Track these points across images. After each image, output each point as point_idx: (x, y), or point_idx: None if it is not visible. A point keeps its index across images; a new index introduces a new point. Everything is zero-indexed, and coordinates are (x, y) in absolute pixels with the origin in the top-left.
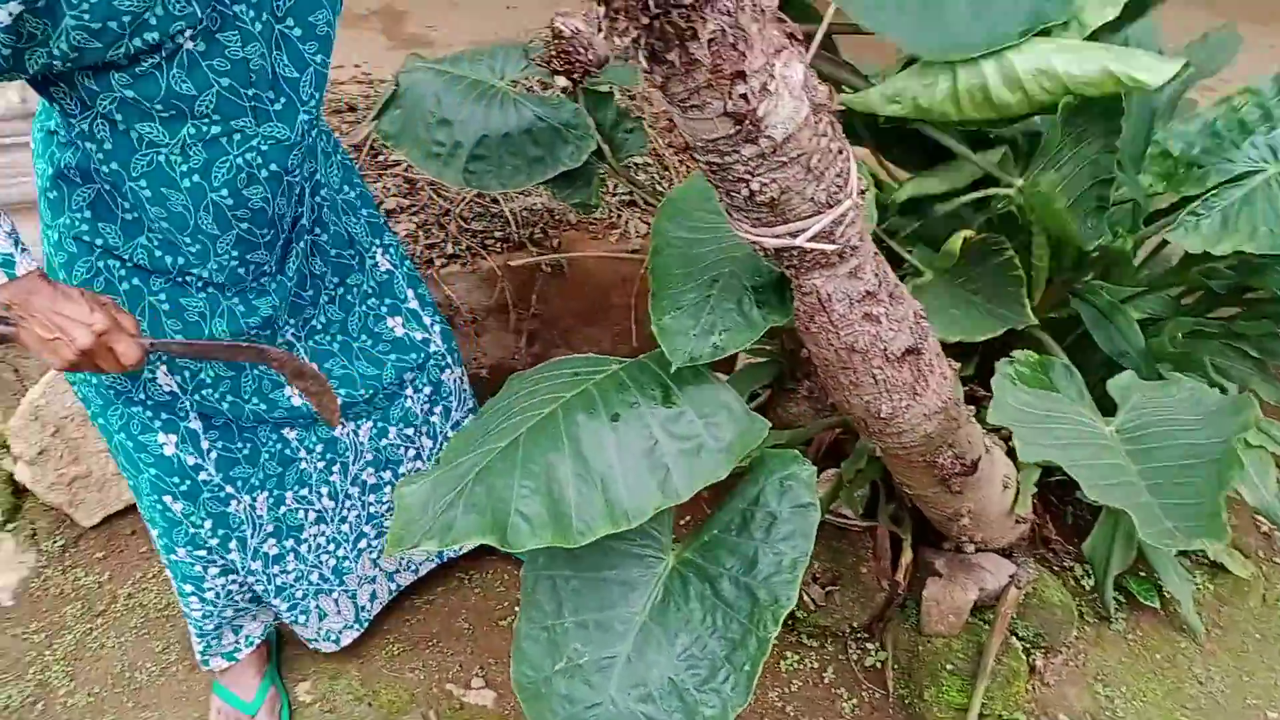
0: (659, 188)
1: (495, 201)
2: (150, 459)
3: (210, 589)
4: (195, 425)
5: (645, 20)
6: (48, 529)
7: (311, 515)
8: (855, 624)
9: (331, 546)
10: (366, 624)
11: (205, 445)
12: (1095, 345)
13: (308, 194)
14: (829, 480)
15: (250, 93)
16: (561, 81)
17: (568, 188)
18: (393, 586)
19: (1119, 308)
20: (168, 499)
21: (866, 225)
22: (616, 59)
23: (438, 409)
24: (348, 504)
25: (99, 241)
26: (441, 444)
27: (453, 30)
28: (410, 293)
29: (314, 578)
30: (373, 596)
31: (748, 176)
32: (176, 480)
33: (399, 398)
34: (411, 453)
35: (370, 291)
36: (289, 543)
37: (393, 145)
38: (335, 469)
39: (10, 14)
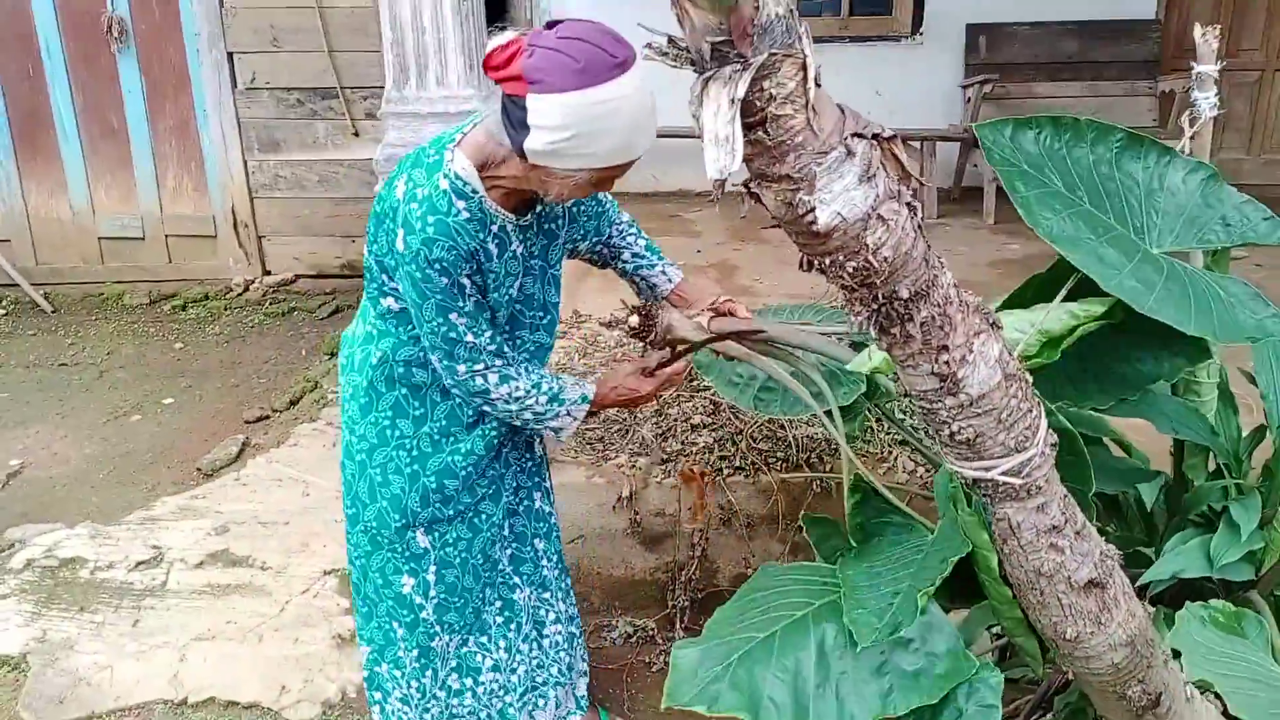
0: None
1: (782, 427)
2: (391, 594)
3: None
4: (430, 577)
5: (874, 305)
6: None
7: (489, 662)
8: None
9: (503, 693)
10: None
11: (432, 594)
12: None
13: None
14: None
15: (530, 313)
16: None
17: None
18: None
19: None
20: (394, 623)
21: (1054, 471)
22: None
23: (567, 577)
24: (518, 657)
25: (394, 434)
26: (569, 605)
27: (774, 284)
28: (550, 475)
29: (483, 716)
30: None
31: (949, 421)
32: (405, 613)
33: (540, 566)
34: (551, 615)
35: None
36: (468, 680)
37: (702, 373)
38: (512, 627)
39: (468, 274)
